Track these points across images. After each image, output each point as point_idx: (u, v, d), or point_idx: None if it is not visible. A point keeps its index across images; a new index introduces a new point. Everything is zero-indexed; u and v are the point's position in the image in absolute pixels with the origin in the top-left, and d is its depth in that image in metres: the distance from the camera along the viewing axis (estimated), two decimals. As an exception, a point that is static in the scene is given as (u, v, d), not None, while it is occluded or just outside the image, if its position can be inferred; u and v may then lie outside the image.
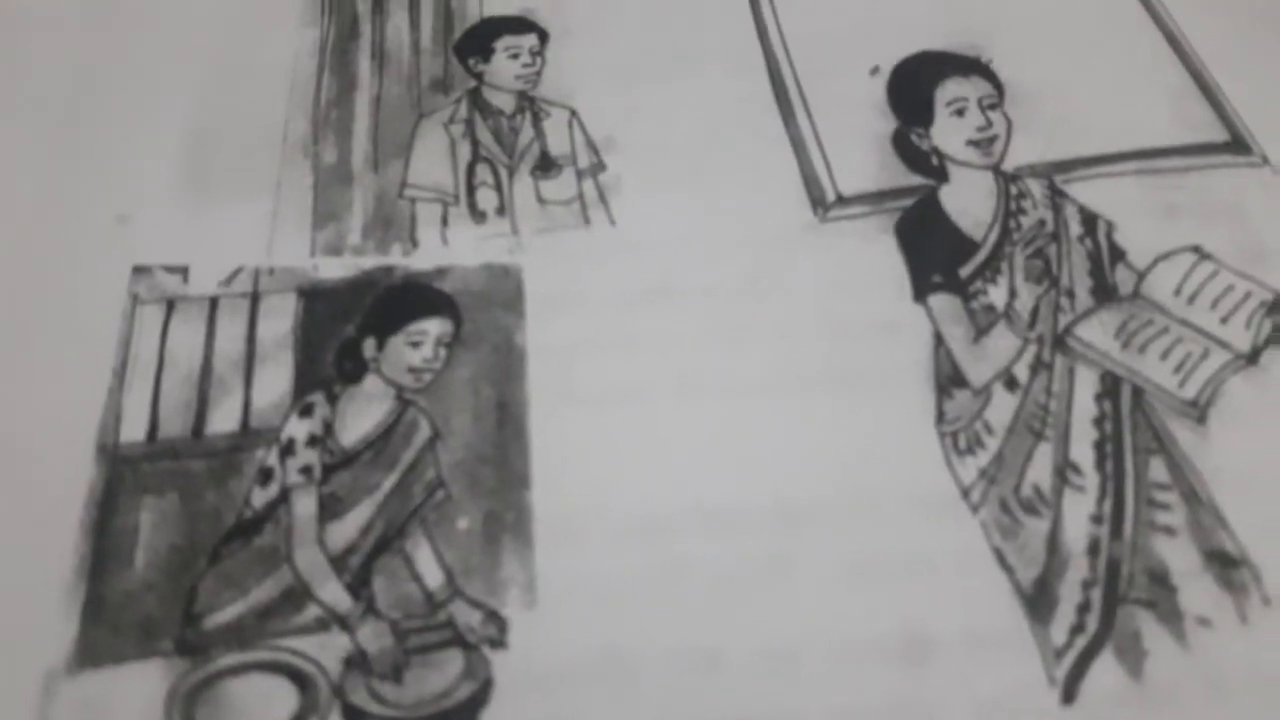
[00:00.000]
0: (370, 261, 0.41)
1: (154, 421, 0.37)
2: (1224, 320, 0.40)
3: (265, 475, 0.35)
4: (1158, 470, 0.36)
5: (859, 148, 0.45)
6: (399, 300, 0.40)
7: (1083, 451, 0.37)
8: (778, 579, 0.34)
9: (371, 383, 0.38)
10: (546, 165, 0.44)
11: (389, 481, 0.36)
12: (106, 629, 0.32)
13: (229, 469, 0.36)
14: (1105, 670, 0.33)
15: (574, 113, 0.45)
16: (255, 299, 0.39)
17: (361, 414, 0.37)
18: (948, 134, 0.44)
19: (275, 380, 0.38)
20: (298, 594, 0.33)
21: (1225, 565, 0.34)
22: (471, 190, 0.43)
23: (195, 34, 0.47)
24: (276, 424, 0.37)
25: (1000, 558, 0.35)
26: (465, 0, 0.49)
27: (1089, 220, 0.42)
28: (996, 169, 0.44)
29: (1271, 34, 0.49)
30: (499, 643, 0.33)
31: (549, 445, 0.37)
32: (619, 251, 0.41)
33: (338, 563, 0.34)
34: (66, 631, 0.32)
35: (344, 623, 0.33)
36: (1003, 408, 0.38)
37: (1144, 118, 0.46)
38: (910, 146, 0.44)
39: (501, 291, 0.40)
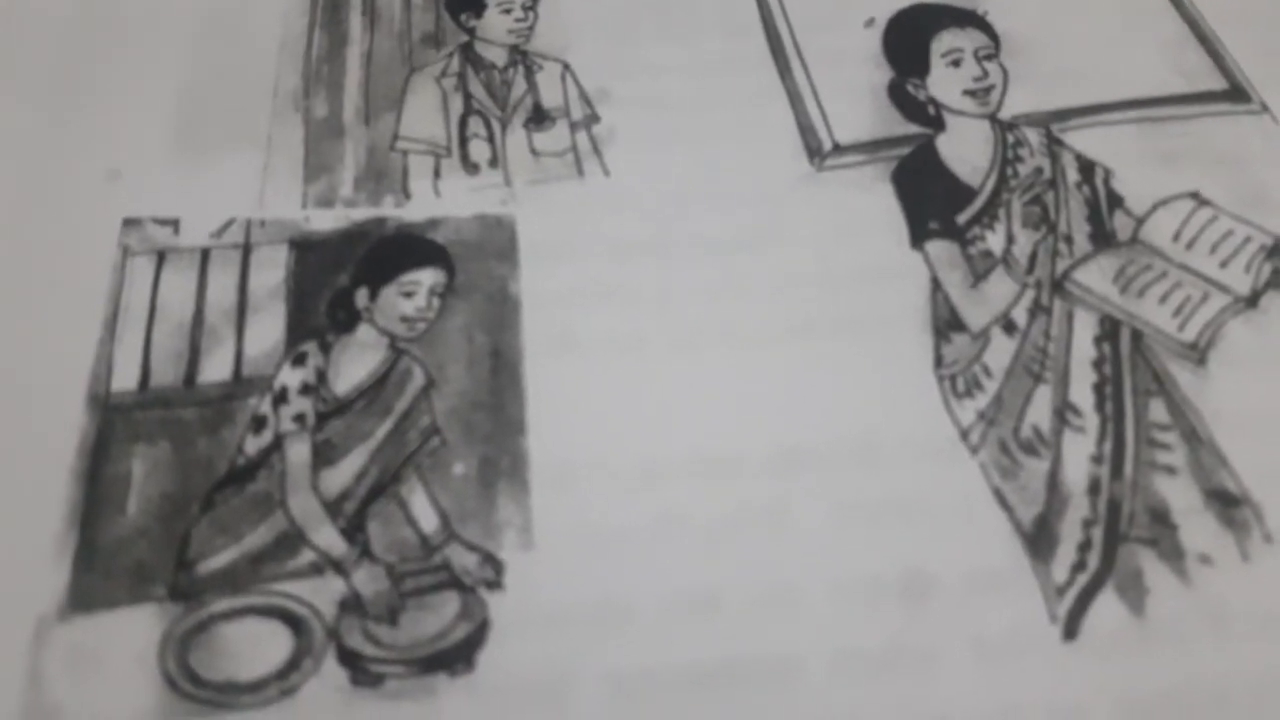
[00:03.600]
0: (362, 213, 0.40)
1: (145, 371, 0.36)
2: (1223, 264, 0.39)
3: (258, 423, 0.35)
4: (1158, 411, 0.36)
5: (855, 98, 0.44)
6: (391, 251, 0.39)
7: (1082, 393, 0.36)
8: (776, 523, 0.34)
9: (364, 332, 0.37)
10: (539, 117, 0.43)
11: (383, 428, 0.35)
12: (99, 575, 0.32)
13: (221, 417, 0.35)
14: (1107, 607, 0.32)
15: (567, 66, 0.45)
16: (247, 250, 0.39)
17: (355, 362, 0.37)
18: (944, 84, 0.44)
19: (268, 330, 0.37)
20: (292, 539, 0.33)
21: (1226, 504, 0.34)
22: (464, 142, 0.43)
23: (186, -9, 0.47)
24: (269, 373, 0.36)
25: (1000, 498, 0.34)
26: (457, -43, 0.49)
27: (1086, 167, 0.42)
28: (993, 118, 0.43)
29: (1268, -17, 0.48)
30: (495, 584, 0.32)
31: (544, 392, 0.36)
32: (613, 202, 0.41)
33: (332, 508, 0.34)
34: (58, 578, 0.32)
35: (339, 567, 0.33)
36: (1001, 351, 0.37)
37: (1141, 67, 0.46)
38: (906, 96, 0.44)
39: (495, 242, 0.40)
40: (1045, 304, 0.38)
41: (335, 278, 0.39)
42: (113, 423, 0.35)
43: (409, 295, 0.38)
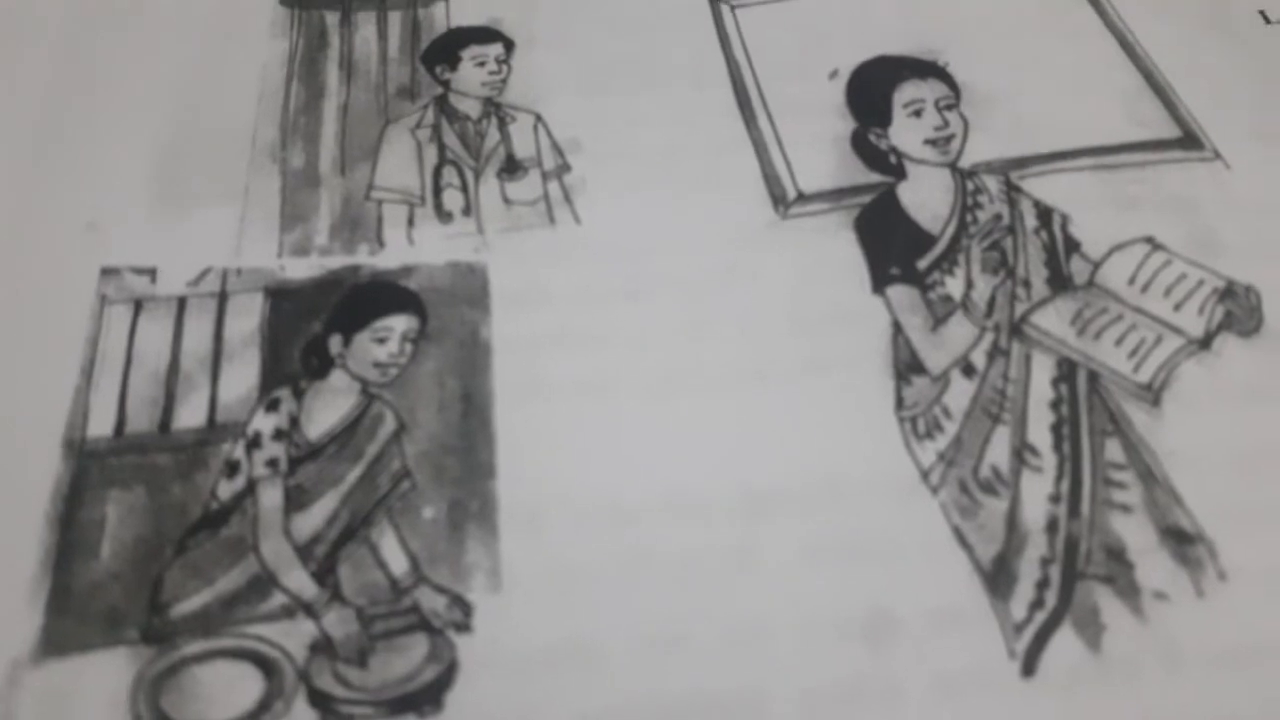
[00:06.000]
0: (337, 261, 0.41)
1: (121, 417, 0.37)
2: (1177, 307, 0.40)
3: (231, 468, 0.36)
4: (1114, 451, 0.37)
5: (819, 148, 0.45)
6: (365, 297, 0.40)
7: (1040, 434, 0.37)
8: (741, 563, 0.35)
9: (337, 378, 0.38)
10: (512, 167, 0.44)
11: (354, 473, 0.36)
12: (72, 619, 0.33)
13: (195, 463, 0.36)
14: (1064, 644, 0.33)
15: (539, 117, 0.46)
16: (223, 299, 0.40)
17: (327, 408, 0.37)
18: (905, 134, 0.45)
19: (242, 377, 0.38)
20: (264, 583, 0.34)
21: (1181, 541, 0.35)
22: (438, 191, 0.44)
23: (166, 45, 0.48)
24: (242, 419, 0.37)
25: (960, 537, 0.35)
26: (432, 11, 0.50)
27: (1044, 214, 0.43)
28: (954, 166, 0.44)
29: (1220, 36, 0.50)
30: (464, 627, 0.33)
31: (514, 436, 0.37)
32: (584, 249, 0.42)
33: (303, 552, 0.34)
34: (31, 622, 0.33)
35: (310, 610, 0.33)
36: (960, 393, 0.38)
37: (1098, 117, 0.47)
38: (869, 146, 0.45)
39: (467, 288, 0.41)
40: (1004, 347, 0.39)
41: (309, 325, 0.39)
42: (88, 468, 0.36)
43: (382, 341, 0.39)
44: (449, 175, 0.44)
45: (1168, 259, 0.42)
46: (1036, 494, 0.36)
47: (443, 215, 0.43)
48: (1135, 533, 0.35)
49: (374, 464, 0.36)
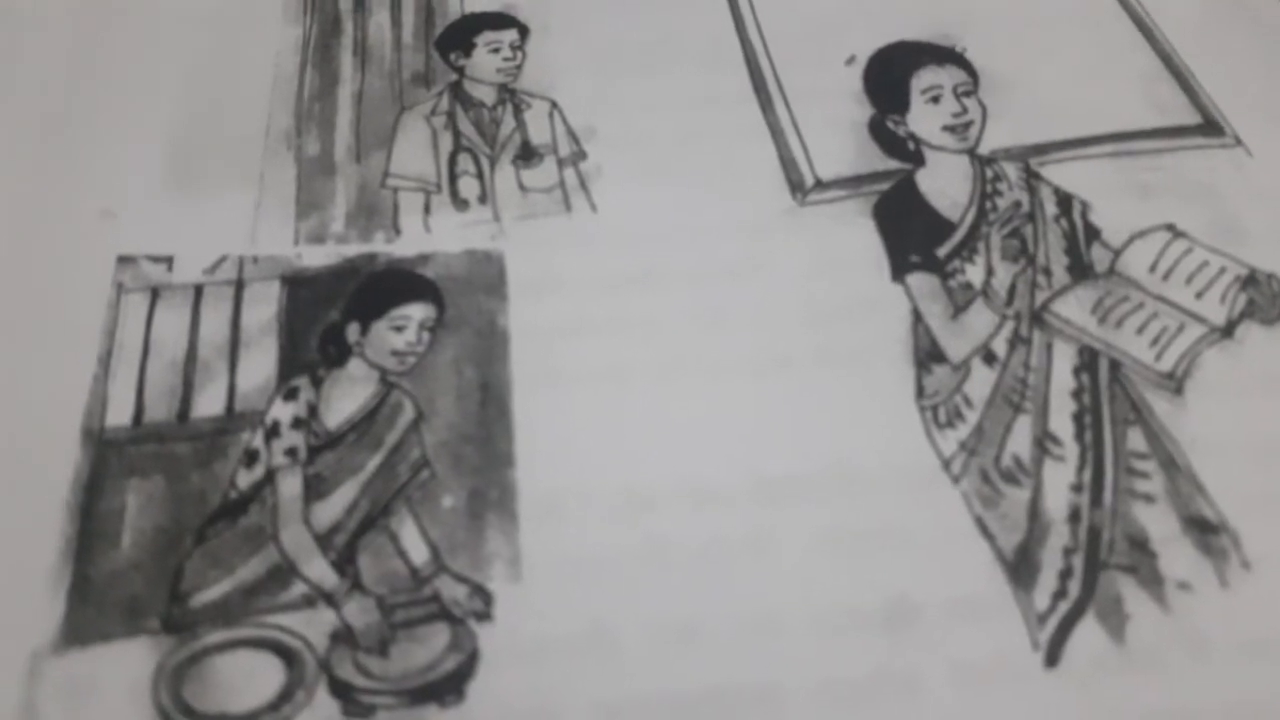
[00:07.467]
0: (353, 249, 0.41)
1: (139, 406, 0.37)
2: (1199, 295, 0.40)
3: (250, 457, 0.36)
4: (1136, 440, 0.37)
5: (836, 134, 0.45)
6: (382, 286, 0.40)
7: (1062, 423, 0.37)
8: (759, 552, 0.34)
9: (355, 366, 0.38)
10: (528, 154, 0.44)
11: (374, 461, 0.36)
12: (93, 608, 0.33)
13: (214, 451, 0.36)
14: (1088, 634, 0.33)
15: (554, 104, 0.46)
16: (239, 287, 0.40)
17: (346, 396, 0.37)
18: (923, 120, 0.45)
19: (260, 365, 0.38)
20: (284, 572, 0.33)
21: (1204, 531, 0.35)
22: (453, 179, 0.43)
23: (180, 32, 0.48)
24: (261, 408, 0.37)
25: (982, 526, 0.35)
26: (446, -3, 0.50)
27: (1064, 200, 0.43)
28: (972, 153, 0.44)
29: (1240, 19, 0.49)
30: (484, 616, 0.33)
31: (532, 424, 0.37)
32: (600, 236, 0.42)
33: (323, 541, 0.34)
34: (53, 612, 0.32)
35: (330, 599, 0.33)
36: (981, 382, 0.38)
37: (1117, 102, 0.46)
38: (887, 133, 0.45)
39: (484, 276, 0.40)
40: (1025, 335, 0.39)
41: (327, 313, 0.39)
42: (107, 458, 0.35)
43: (399, 330, 0.39)
44: (464, 163, 0.44)
45: (1189, 246, 0.41)
46: (1058, 483, 0.36)
47: (459, 203, 0.43)
48: (1158, 522, 0.35)
49: (393, 453, 0.36)
